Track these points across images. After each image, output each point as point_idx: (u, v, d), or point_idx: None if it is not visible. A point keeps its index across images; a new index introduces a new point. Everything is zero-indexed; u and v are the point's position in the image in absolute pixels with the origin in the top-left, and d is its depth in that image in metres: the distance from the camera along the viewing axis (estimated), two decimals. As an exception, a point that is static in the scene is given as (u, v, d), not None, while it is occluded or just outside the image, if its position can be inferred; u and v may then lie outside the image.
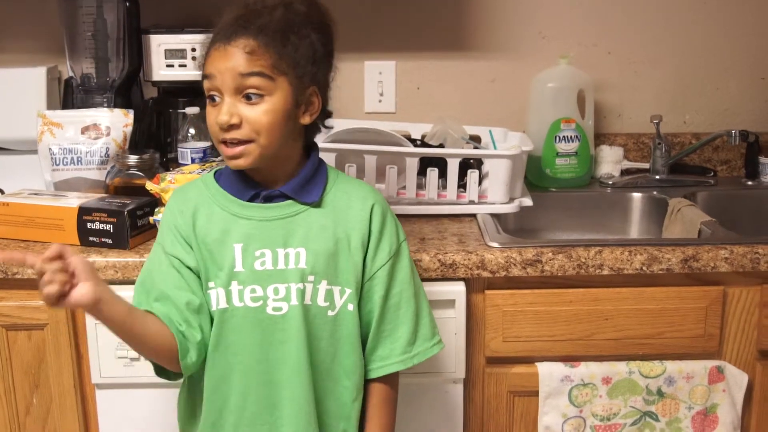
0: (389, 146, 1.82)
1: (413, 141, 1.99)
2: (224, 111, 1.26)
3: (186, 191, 1.40)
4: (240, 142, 1.27)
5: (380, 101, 2.26)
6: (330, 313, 1.33)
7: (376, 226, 1.36)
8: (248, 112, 1.26)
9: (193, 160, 1.90)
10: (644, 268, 1.60)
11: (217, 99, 1.28)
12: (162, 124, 2.08)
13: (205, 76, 1.30)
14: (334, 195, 1.36)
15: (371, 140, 1.82)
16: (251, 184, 1.34)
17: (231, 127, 1.26)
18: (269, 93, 1.26)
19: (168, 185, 1.61)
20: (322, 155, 1.38)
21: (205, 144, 1.92)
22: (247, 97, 1.26)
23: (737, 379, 1.66)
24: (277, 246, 1.31)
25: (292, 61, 1.28)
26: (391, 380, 1.40)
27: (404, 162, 1.80)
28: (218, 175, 1.38)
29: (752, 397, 1.69)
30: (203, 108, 1.95)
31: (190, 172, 1.63)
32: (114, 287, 1.57)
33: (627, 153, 2.23)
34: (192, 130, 1.94)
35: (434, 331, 1.42)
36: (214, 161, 1.76)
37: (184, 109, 1.99)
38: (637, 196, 2.10)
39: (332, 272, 1.33)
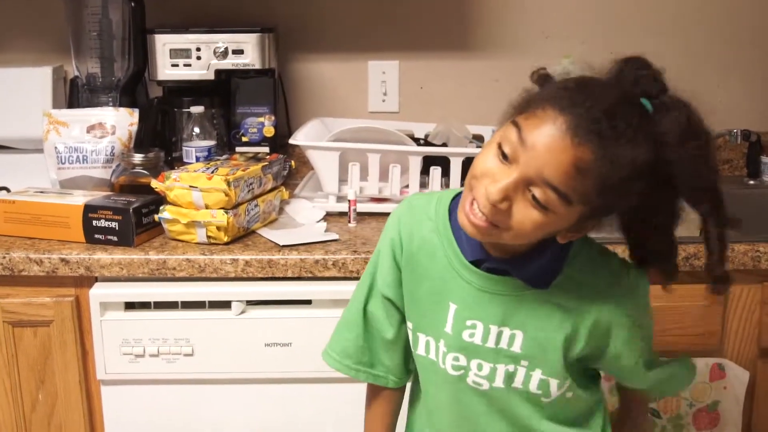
0: (393, 145, 1.83)
1: (416, 140, 2.00)
2: (501, 188, 1.05)
3: (416, 212, 1.25)
4: (488, 222, 1.07)
5: (384, 101, 2.26)
6: (545, 399, 1.20)
7: (632, 315, 1.19)
8: (519, 210, 1.06)
9: (197, 159, 1.91)
10: (646, 265, 1.60)
11: (506, 159, 1.06)
12: (167, 123, 2.10)
13: (516, 126, 1.06)
14: (571, 276, 1.16)
15: (375, 139, 1.83)
16: (479, 245, 1.16)
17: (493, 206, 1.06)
18: (553, 211, 1.05)
19: (173, 183, 1.62)
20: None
21: (210, 143, 1.93)
22: (530, 196, 1.05)
23: (738, 376, 1.66)
24: (491, 322, 1.17)
25: (604, 202, 1.06)
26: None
27: (407, 161, 1.81)
28: (453, 206, 1.20)
29: (754, 395, 1.69)
30: (207, 107, 2.00)
31: (194, 171, 1.64)
32: (119, 284, 1.60)
33: (629, 152, 2.23)
34: (196, 129, 1.95)
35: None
36: (218, 159, 1.77)
37: (188, 108, 2.01)
38: (639, 195, 2.10)
39: (550, 362, 1.17)
